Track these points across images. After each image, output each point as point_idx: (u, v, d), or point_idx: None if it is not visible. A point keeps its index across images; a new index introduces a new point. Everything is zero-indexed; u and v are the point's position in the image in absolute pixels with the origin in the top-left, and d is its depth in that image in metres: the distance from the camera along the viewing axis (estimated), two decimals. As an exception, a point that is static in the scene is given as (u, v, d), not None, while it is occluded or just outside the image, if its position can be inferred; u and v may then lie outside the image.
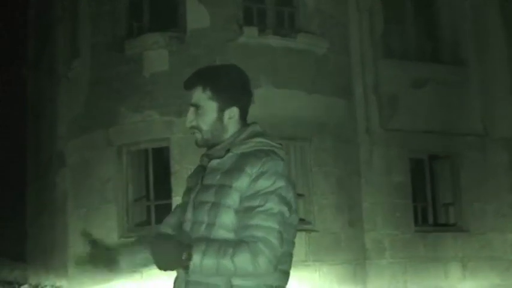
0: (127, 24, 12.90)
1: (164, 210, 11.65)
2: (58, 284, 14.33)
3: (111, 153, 12.39)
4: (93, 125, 12.73)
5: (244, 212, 3.06)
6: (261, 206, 3.03)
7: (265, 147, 3.22)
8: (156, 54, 12.28)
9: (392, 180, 13.51)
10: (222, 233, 3.10)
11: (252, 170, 3.10)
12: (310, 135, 12.40)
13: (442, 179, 14.63)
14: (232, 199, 3.11)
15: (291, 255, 3.26)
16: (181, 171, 11.21)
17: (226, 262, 2.95)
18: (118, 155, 12.37)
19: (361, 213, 13.08)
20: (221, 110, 3.27)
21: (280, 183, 3.09)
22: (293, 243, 3.26)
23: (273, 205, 3.04)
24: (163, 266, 3.02)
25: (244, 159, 3.16)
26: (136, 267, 3.41)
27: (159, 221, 11.85)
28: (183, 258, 2.97)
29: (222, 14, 12.31)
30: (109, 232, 12.12)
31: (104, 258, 3.30)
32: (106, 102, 12.59)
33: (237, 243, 3.00)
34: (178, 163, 11.49)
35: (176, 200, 11.20)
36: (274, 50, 12.38)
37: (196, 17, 12.29)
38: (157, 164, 12.32)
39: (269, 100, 12.08)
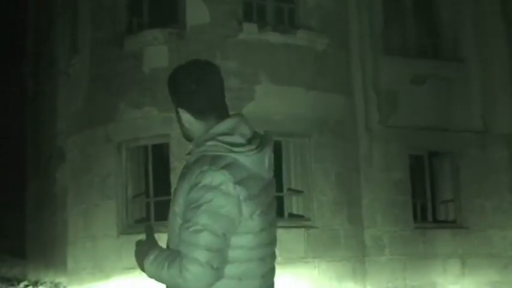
0: (127, 20, 12.89)
1: (164, 207, 11.64)
2: (57, 280, 14.34)
3: (111, 149, 12.39)
4: (93, 121, 12.73)
5: (180, 226, 3.05)
6: (188, 221, 2.98)
7: (213, 152, 3.09)
8: (156, 50, 12.27)
9: (391, 176, 13.51)
10: (174, 238, 3.14)
11: (190, 178, 3.04)
12: (310, 131, 12.40)
13: (442, 175, 14.63)
14: (178, 206, 3.11)
15: (260, 260, 3.18)
16: (181, 167, 11.09)
17: (163, 274, 3.02)
18: (118, 151, 12.37)
19: (360, 210, 13.09)
20: (177, 111, 3.26)
21: (209, 196, 2.98)
22: (261, 248, 3.18)
23: (200, 220, 2.96)
24: (137, 265, 3.17)
25: (192, 165, 3.10)
26: None
27: (158, 217, 11.87)
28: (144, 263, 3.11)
29: (221, 10, 12.30)
30: (108, 228, 12.13)
31: None
32: (106, 98, 12.58)
33: (173, 257, 3.01)
34: (177, 159, 11.49)
35: (176, 196, 11.18)
36: (274, 46, 12.38)
37: (196, 13, 12.28)
38: (157, 160, 12.32)
39: (268, 96, 12.08)
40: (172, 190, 10.23)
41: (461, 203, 14.31)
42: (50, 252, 15.04)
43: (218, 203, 2.97)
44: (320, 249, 12.09)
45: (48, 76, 15.67)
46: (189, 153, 3.24)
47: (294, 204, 12.36)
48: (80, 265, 12.62)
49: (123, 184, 12.31)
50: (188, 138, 3.30)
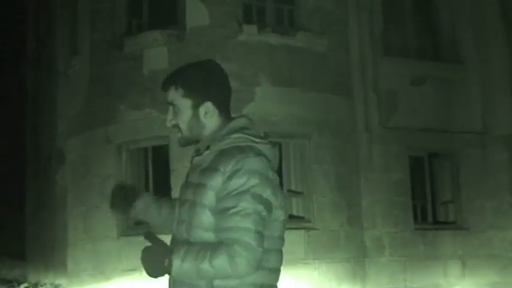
0: (126, 22, 12.90)
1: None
2: (57, 282, 14.33)
3: (111, 151, 12.39)
4: (93, 123, 12.72)
5: (221, 213, 3.05)
6: (235, 207, 3.00)
7: (242, 144, 3.19)
8: (156, 52, 12.27)
9: (391, 178, 13.51)
10: (199, 233, 3.12)
11: (225, 168, 3.08)
12: (310, 133, 12.39)
13: (442, 176, 14.63)
14: (208, 198, 3.10)
15: (277, 251, 3.24)
16: (181, 169, 11.19)
17: (204, 266, 2.95)
18: (117, 152, 12.37)
19: (360, 211, 13.08)
20: (195, 107, 3.29)
21: (254, 181, 3.05)
22: (281, 239, 3.24)
23: (247, 205, 3.01)
24: (149, 273, 3.05)
25: (220, 157, 3.14)
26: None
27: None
28: (166, 264, 2.99)
29: (221, 12, 12.30)
30: (108, 230, 12.13)
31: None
32: (105, 100, 12.58)
33: (215, 246, 2.99)
34: (177, 161, 11.48)
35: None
36: (274, 47, 12.37)
37: (195, 14, 12.28)
38: (157, 162, 12.32)
39: (268, 98, 12.09)
40: (172, 192, 10.16)
41: (461, 204, 14.30)
42: (50, 254, 15.04)
43: (261, 187, 3.05)
44: (320, 250, 12.08)
45: (47, 77, 15.67)
46: (197, 152, 3.32)
47: (293, 206, 12.35)
48: (80, 267, 12.62)
49: (123, 186, 12.30)
50: (186, 141, 3.35)
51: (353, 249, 12.71)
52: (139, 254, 3.12)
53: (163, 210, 3.58)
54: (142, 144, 12.41)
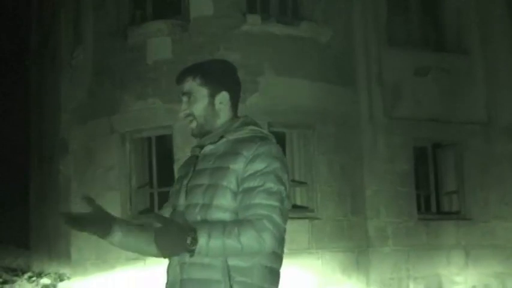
0: (130, 12, 12.89)
1: (167, 198, 11.68)
2: (61, 271, 14.36)
3: (115, 140, 12.41)
4: (96, 113, 12.74)
5: (245, 193, 3.16)
6: (261, 186, 3.14)
7: (258, 134, 3.35)
8: (159, 42, 12.27)
9: (395, 168, 13.50)
10: (218, 214, 3.18)
11: (248, 152, 3.22)
12: (313, 123, 12.40)
13: (446, 167, 14.64)
14: (229, 180, 3.21)
15: (283, 239, 3.31)
16: (184, 158, 11.19)
17: (232, 242, 3.01)
18: (121, 142, 12.39)
19: (364, 201, 13.09)
20: (212, 95, 3.42)
21: (276, 164, 3.21)
22: (285, 228, 3.29)
23: (272, 184, 3.15)
24: (169, 252, 3.06)
25: (239, 143, 3.28)
26: (127, 248, 3.43)
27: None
28: (188, 242, 2.98)
29: (225, 2, 12.29)
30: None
31: (101, 223, 3.29)
32: (109, 90, 12.60)
33: (240, 223, 3.08)
34: (181, 150, 11.50)
35: (179, 187, 11.20)
36: (278, 37, 12.37)
37: (199, 4, 12.28)
38: (161, 152, 12.33)
39: (272, 88, 12.08)
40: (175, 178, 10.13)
41: (465, 195, 14.31)
42: (54, 243, 15.07)
43: (281, 171, 3.23)
44: (324, 240, 12.10)
45: (51, 68, 15.67)
46: (198, 146, 3.46)
47: (297, 195, 12.37)
48: (83, 256, 12.65)
49: (127, 175, 12.33)
50: (201, 129, 3.44)
51: (356, 239, 12.73)
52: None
53: (133, 237, 3.42)
54: (146, 134, 12.43)
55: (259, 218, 3.06)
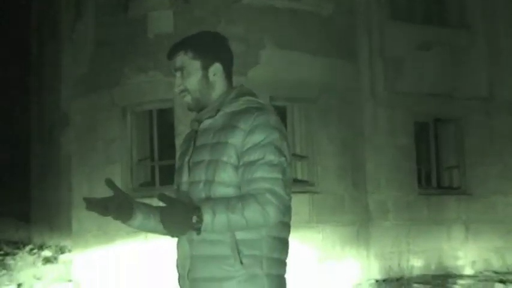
0: (131, -15, 12.83)
1: (168, 171, 11.68)
2: (62, 243, 14.43)
3: (116, 113, 12.39)
4: (97, 86, 12.71)
5: (246, 166, 3.15)
6: (262, 158, 3.13)
7: (255, 105, 3.33)
8: (161, 15, 12.21)
9: (396, 142, 13.51)
10: (221, 189, 3.19)
11: (245, 125, 3.20)
12: (315, 96, 12.37)
13: (446, 142, 14.64)
14: (229, 155, 3.20)
15: (289, 207, 3.32)
16: (186, 131, 11.11)
17: (236, 217, 3.02)
18: (122, 115, 12.37)
19: (364, 175, 13.10)
20: (205, 68, 3.41)
21: (275, 135, 3.20)
22: (290, 197, 3.31)
23: (273, 156, 3.14)
24: (175, 232, 3.07)
25: (237, 116, 3.27)
26: (145, 230, 3.43)
27: (163, 181, 11.91)
28: (194, 221, 2.99)
29: (227, -26, 12.22)
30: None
31: (124, 208, 3.26)
32: (110, 63, 12.56)
33: (243, 197, 3.08)
34: (182, 124, 11.48)
35: (180, 161, 11.21)
36: (279, 11, 12.30)
37: (201, -23, 12.21)
38: (162, 125, 12.32)
39: (274, 62, 12.05)
40: (176, 154, 10.22)
41: (465, 170, 14.33)
42: (55, 216, 15.13)
43: (280, 141, 3.21)
44: (324, 214, 12.12)
45: (52, 41, 15.65)
46: (196, 120, 3.45)
47: (298, 169, 12.37)
48: (84, 228, 12.67)
49: (128, 148, 12.33)
50: (196, 103, 3.44)
51: (357, 213, 12.75)
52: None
53: (151, 219, 3.39)
54: (147, 107, 12.40)
55: (262, 192, 3.06)
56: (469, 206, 14.05)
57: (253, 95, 3.42)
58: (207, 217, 2.98)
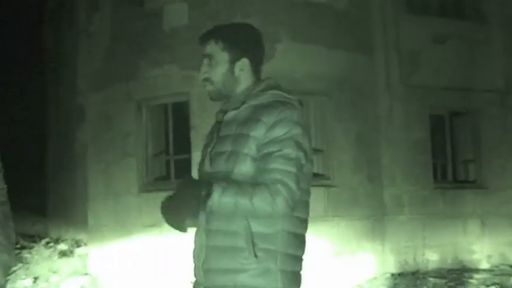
0: (147, -22, 12.83)
1: (184, 165, 11.70)
2: (78, 237, 14.45)
3: (131, 107, 12.41)
4: (113, 79, 12.73)
5: (263, 157, 3.17)
6: (279, 151, 3.14)
7: (280, 99, 3.32)
8: (176, 8, 12.21)
9: (412, 136, 13.46)
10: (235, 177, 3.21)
11: (268, 119, 3.21)
12: (330, 90, 12.34)
13: (462, 135, 14.58)
14: (249, 147, 3.21)
15: (307, 203, 3.36)
16: (201, 125, 11.21)
17: (245, 201, 3.06)
18: (138, 109, 12.39)
19: (380, 169, 13.07)
20: (232, 62, 3.41)
21: (296, 130, 3.21)
22: (309, 192, 3.36)
23: (290, 150, 3.15)
24: (183, 203, 3.10)
25: (261, 109, 3.27)
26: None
27: (178, 175, 11.93)
28: (203, 194, 3.07)
29: (242, -32, 12.20)
30: (129, 186, 12.20)
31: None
32: (126, 56, 12.58)
33: (256, 184, 3.10)
34: (198, 117, 11.50)
35: (196, 154, 11.23)
36: (295, 4, 12.28)
37: (217, -30, 12.19)
38: (177, 119, 12.33)
39: (289, 55, 12.02)
40: (192, 148, 10.16)
41: (481, 163, 14.27)
42: (71, 210, 15.15)
43: (301, 136, 3.23)
44: (340, 207, 12.11)
45: (68, 35, 15.66)
46: (221, 111, 3.46)
47: (314, 163, 12.34)
48: (100, 222, 12.71)
49: (144, 142, 12.35)
50: (218, 94, 3.46)
51: (372, 207, 12.73)
52: (159, 210, 3.15)
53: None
54: (163, 101, 12.41)
55: (274, 182, 3.07)
56: (485, 200, 13.99)
57: (280, 88, 3.41)
58: (215, 194, 3.06)
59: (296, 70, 11.95)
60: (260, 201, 3.05)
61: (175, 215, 3.14)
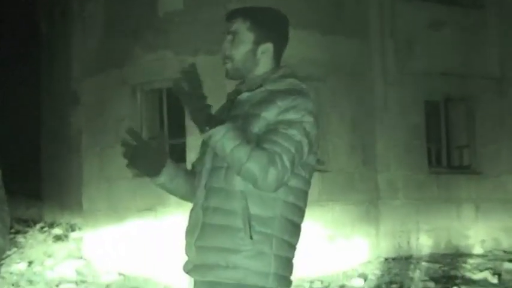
0: (142, -38, 12.78)
1: (178, 150, 11.70)
2: (73, 221, 14.48)
3: (126, 92, 12.39)
4: (108, 64, 12.70)
5: (267, 130, 3.13)
6: (285, 129, 3.10)
7: (297, 87, 3.31)
8: (171, -7, 12.17)
9: (407, 121, 13.46)
10: None
11: (282, 102, 3.18)
12: (325, 76, 12.34)
13: (457, 121, 14.59)
14: (258, 127, 3.18)
15: (306, 193, 3.34)
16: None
17: (240, 154, 3.02)
18: (132, 94, 12.36)
19: (375, 154, 13.08)
20: (256, 43, 3.40)
21: (308, 118, 3.17)
22: (309, 183, 3.34)
23: (296, 132, 3.11)
24: (192, 111, 3.07)
25: (277, 93, 3.25)
26: (169, 192, 3.55)
27: (172, 160, 11.91)
28: (206, 128, 3.05)
29: (238, -48, 12.15)
30: (123, 170, 12.17)
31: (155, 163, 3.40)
32: (120, 42, 12.54)
33: (259, 147, 3.06)
34: (192, 102, 11.46)
35: (190, 139, 11.23)
36: (290, -11, 12.24)
37: (211, -46, 12.14)
38: (172, 103, 12.31)
39: (284, 40, 11.98)
40: (187, 133, 10.14)
41: (476, 149, 14.29)
42: (66, 194, 15.17)
43: (311, 126, 3.18)
44: (334, 192, 12.13)
45: (62, 20, 15.62)
46: (235, 91, 3.46)
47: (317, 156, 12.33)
48: (95, 206, 12.72)
49: (138, 127, 12.31)
50: (236, 73, 3.43)
51: (367, 192, 12.76)
52: (154, 194, 3.16)
53: (182, 179, 3.56)
54: (157, 86, 12.38)
55: (273, 153, 3.03)
56: (479, 185, 14.02)
57: (296, 77, 3.40)
58: (217, 131, 3.03)
59: (291, 55, 11.80)
60: (254, 161, 3.00)
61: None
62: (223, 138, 3.02)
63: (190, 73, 3.08)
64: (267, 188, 3.06)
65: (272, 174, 3.01)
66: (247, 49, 3.38)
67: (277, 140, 3.07)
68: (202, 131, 3.07)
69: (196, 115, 3.06)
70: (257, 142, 3.11)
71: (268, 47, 3.41)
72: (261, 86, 3.34)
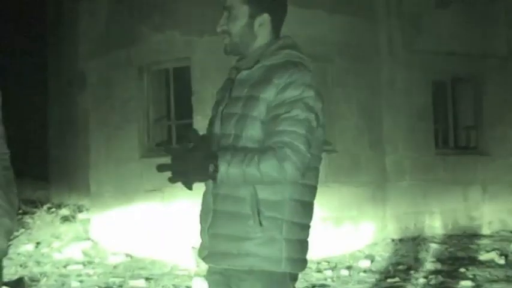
0: None
1: (185, 130, 11.68)
2: (80, 203, 14.51)
3: (132, 73, 12.36)
4: (114, 45, 12.67)
5: (271, 120, 3.09)
6: (287, 112, 3.06)
7: (294, 59, 3.27)
8: (178, -27, 12.12)
9: (413, 102, 13.41)
10: (248, 145, 3.14)
11: (279, 80, 3.14)
12: (332, 56, 12.29)
13: (464, 101, 14.54)
14: (259, 110, 3.15)
15: (317, 169, 3.34)
16: (202, 91, 11.18)
17: (251, 170, 2.96)
18: (139, 74, 12.34)
19: (381, 135, 13.05)
20: (252, 16, 3.34)
21: (309, 93, 3.13)
22: (320, 158, 3.33)
23: (299, 111, 3.07)
24: (190, 178, 2.96)
25: (273, 70, 3.20)
26: None
27: (180, 140, 11.92)
28: (211, 170, 2.97)
29: None
30: (130, 152, 12.19)
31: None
32: (127, 22, 12.51)
33: (263, 150, 3.02)
34: (199, 83, 11.45)
35: (197, 119, 11.21)
36: (297, -31, 12.19)
37: None
38: (179, 84, 12.29)
39: (290, 20, 11.76)
40: (193, 113, 10.12)
41: (483, 130, 14.25)
42: (73, 176, 15.19)
43: (313, 99, 3.15)
44: (341, 173, 12.11)
45: (69, 0, 15.59)
46: (235, 68, 3.41)
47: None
48: (102, 188, 12.73)
49: (145, 108, 12.32)
50: (234, 48, 3.38)
51: (374, 173, 12.74)
52: (161, 176, 3.10)
53: None
54: (164, 66, 12.35)
55: (282, 146, 2.99)
56: (486, 167, 13.99)
57: (295, 48, 3.37)
58: (222, 168, 2.96)
59: (297, 35, 11.71)
60: (267, 168, 2.96)
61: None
62: (229, 174, 2.97)
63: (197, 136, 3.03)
64: (293, 179, 3.04)
65: (289, 168, 2.97)
66: (243, 23, 3.34)
67: (284, 129, 3.03)
68: (214, 179, 3.00)
69: (202, 172, 2.96)
70: (266, 135, 3.09)
71: (264, 18, 3.35)
72: (258, 61, 3.31)
